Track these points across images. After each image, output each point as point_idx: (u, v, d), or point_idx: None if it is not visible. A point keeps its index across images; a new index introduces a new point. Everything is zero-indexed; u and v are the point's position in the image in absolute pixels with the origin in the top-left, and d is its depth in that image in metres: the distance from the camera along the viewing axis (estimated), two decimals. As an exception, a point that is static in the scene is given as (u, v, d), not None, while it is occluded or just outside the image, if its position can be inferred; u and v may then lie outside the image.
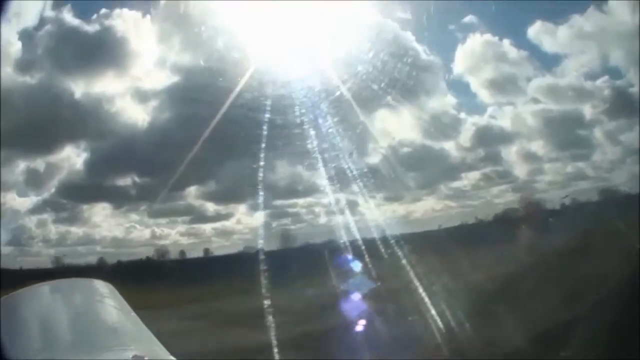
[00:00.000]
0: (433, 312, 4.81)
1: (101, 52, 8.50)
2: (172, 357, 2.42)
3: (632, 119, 8.44)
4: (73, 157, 8.42)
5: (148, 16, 8.07)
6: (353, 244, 5.82)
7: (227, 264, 7.71)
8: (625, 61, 8.74)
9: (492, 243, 6.68)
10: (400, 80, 6.73)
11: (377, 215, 7.15)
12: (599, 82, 8.87)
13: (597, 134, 8.84)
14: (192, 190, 8.68)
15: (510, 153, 9.00)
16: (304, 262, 6.58)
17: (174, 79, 8.37)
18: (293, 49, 6.20)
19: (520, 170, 8.74)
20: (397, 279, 5.34)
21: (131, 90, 8.54)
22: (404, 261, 5.41)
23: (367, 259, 5.69)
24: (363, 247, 5.78)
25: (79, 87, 8.14)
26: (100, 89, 8.41)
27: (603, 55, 8.77)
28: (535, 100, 8.69)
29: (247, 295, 6.19)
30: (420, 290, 4.99)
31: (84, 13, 8.15)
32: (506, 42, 8.56)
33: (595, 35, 8.43)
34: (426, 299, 4.91)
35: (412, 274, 5.17)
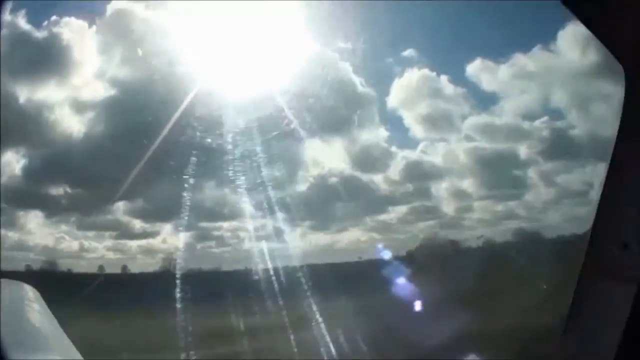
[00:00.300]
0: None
1: (47, 59, 8.32)
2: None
3: (570, 161, 8.63)
4: (13, 162, 8.19)
5: (94, 27, 7.87)
6: (274, 271, 5.81)
7: (145, 282, 7.57)
8: (567, 103, 8.92)
9: (406, 277, 6.79)
10: (335, 110, 6.84)
11: (302, 243, 7.21)
12: (537, 122, 9.09)
13: (532, 174, 9.00)
14: (120, 205, 8.63)
15: (440, 189, 9.18)
16: (223, 286, 6.54)
17: (112, 92, 8.27)
18: (231, 73, 6.19)
19: (449, 207, 8.89)
20: (309, 308, 5.45)
21: (69, 100, 8.37)
22: (318, 291, 5.45)
23: (285, 287, 5.67)
24: (283, 275, 5.78)
25: (23, 93, 7.94)
26: (42, 96, 8.20)
27: (544, 96, 8.97)
28: (469, 138, 8.90)
29: (155, 316, 6.13)
30: (324, 321, 5.03)
31: (34, 19, 7.93)
32: (444, 78, 8.76)
33: (538, 75, 8.59)
34: (327, 330, 4.96)
35: (321, 305, 5.21)
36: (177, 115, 5.94)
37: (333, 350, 5.00)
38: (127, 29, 8.07)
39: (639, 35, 2.56)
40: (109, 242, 8.81)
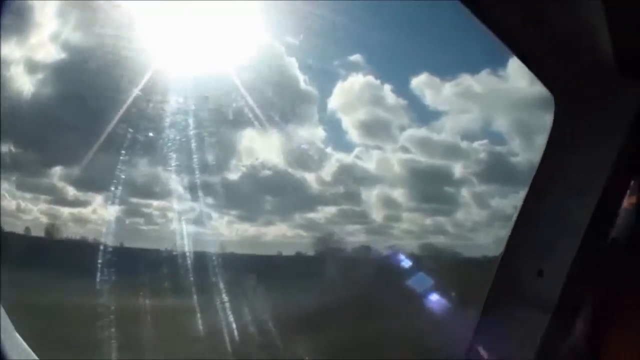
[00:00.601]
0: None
1: (11, 16, 7.77)
2: (23, 343, 2.37)
3: (506, 186, 8.39)
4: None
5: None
6: (197, 255, 5.58)
7: (68, 250, 7.22)
8: (510, 129, 8.67)
9: (316, 276, 6.63)
10: (275, 104, 6.52)
11: (228, 231, 6.94)
12: (476, 144, 8.75)
13: (464, 193, 8.73)
14: (57, 170, 8.19)
15: (371, 195, 8.90)
16: (143, 264, 6.27)
17: (64, 56, 7.76)
18: (178, 54, 5.84)
19: (378, 214, 8.59)
20: (220, 294, 5.36)
21: (23, 59, 7.85)
22: (234, 279, 5.30)
23: (204, 273, 5.49)
24: (205, 261, 5.61)
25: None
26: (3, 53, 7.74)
27: (487, 119, 8.76)
28: (405, 149, 8.66)
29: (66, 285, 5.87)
30: (232, 309, 4.89)
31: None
32: (387, 88, 8.42)
33: (483, 98, 8.31)
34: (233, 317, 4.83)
35: (233, 293, 5.07)
36: (122, 89, 5.65)
37: (231, 335, 4.99)
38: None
39: (569, 66, 2.47)
40: (43, 206, 8.42)
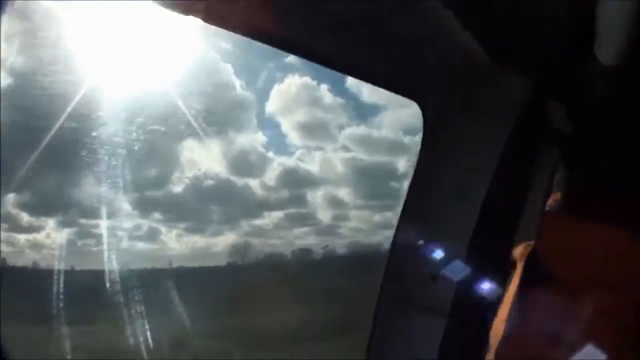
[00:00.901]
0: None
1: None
2: None
3: None
4: None
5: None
6: (147, 273, 5.51)
7: (18, 278, 7.07)
8: None
9: (263, 282, 6.60)
10: (213, 112, 6.40)
11: (178, 245, 6.86)
12: (418, 137, 8.41)
13: None
14: (11, 197, 7.89)
15: (316, 197, 8.75)
16: (94, 286, 6.12)
17: (9, 81, 7.52)
18: (117, 73, 5.63)
19: (325, 215, 8.47)
20: (173, 309, 5.40)
21: (-27, 87, 7.68)
22: (184, 293, 5.28)
23: (154, 290, 5.41)
24: (156, 277, 5.51)
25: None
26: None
27: None
28: (346, 148, 8.52)
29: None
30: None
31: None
32: (324, 87, 8.23)
33: None
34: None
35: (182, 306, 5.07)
36: (56, 111, 5.48)
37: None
38: (30, 18, 7.46)
39: (428, 71, 2.45)
40: (3, 234, 8.21)
